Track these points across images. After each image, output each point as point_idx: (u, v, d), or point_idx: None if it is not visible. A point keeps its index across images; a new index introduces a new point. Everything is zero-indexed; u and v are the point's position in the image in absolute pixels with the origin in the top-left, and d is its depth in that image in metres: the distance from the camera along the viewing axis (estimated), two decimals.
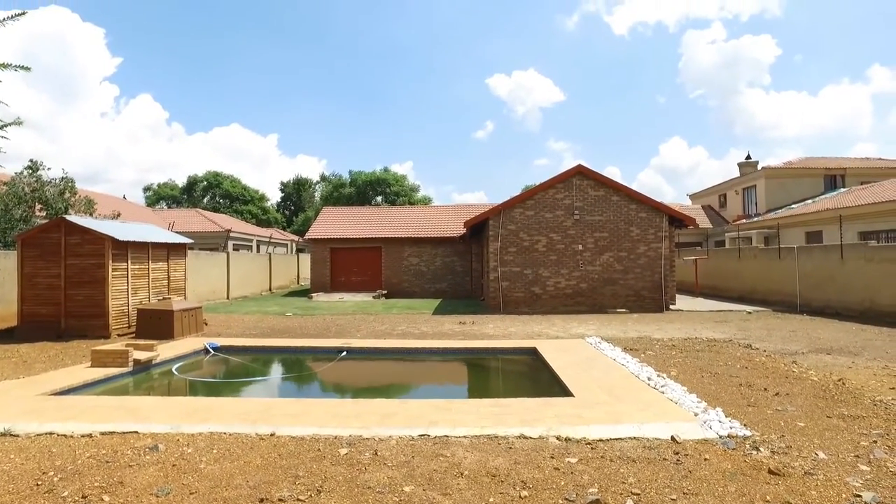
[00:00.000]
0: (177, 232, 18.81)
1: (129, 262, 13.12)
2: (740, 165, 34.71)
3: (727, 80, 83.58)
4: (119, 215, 19.69)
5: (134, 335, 12.38)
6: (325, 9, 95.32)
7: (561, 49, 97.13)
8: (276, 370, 10.65)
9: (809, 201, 28.19)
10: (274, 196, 69.73)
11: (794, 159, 33.25)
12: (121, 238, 12.63)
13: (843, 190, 28.16)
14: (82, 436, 5.34)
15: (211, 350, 10.83)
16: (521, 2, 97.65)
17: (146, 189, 63.70)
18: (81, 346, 11.20)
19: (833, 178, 30.29)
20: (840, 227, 18.11)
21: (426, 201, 61.28)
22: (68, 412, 6.12)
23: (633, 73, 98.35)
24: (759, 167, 32.39)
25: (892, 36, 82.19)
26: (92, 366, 8.66)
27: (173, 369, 9.51)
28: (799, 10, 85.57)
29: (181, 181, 63.12)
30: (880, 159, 33.12)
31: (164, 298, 13.68)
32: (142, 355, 9.09)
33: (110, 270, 12.42)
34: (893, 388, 7.09)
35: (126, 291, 13.00)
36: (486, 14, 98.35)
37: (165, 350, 10.32)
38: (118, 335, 12.51)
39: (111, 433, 5.41)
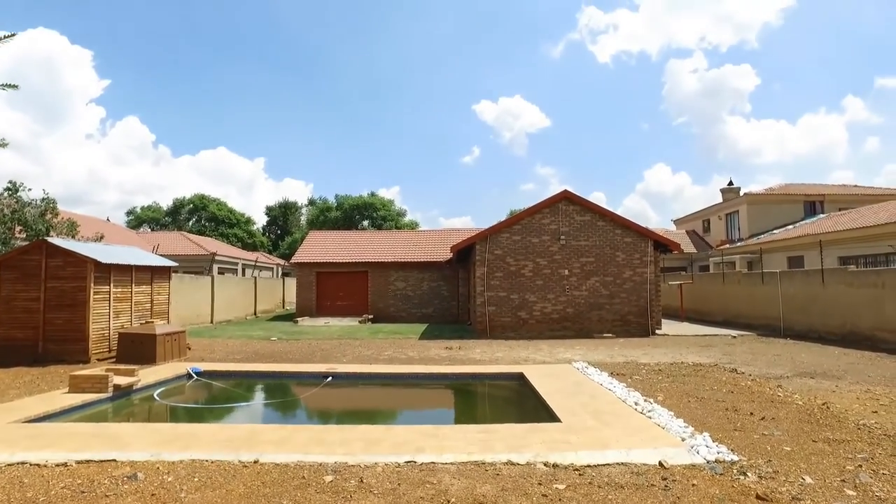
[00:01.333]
0: (161, 255, 18.60)
1: (112, 285, 12.93)
2: (723, 191, 35.30)
3: (709, 107, 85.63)
4: (102, 237, 19.46)
5: (114, 360, 12.13)
6: (313, 35, 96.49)
7: (547, 76, 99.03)
8: (260, 396, 10.47)
9: (790, 227, 28.69)
10: (260, 219, 69.50)
11: (775, 185, 33.93)
12: (104, 261, 12.47)
13: (822, 216, 28.72)
14: (57, 465, 5.18)
15: (194, 375, 10.64)
16: (507, 30, 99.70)
17: (130, 212, 63.15)
18: (59, 371, 10.94)
19: (812, 204, 30.90)
20: (820, 252, 18.42)
21: (413, 226, 61.37)
22: (42, 440, 5.95)
23: (617, 100, 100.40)
24: (742, 193, 32.98)
25: (863, 68, 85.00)
26: (70, 392, 8.45)
27: (155, 395, 9.31)
28: (775, 42, 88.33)
29: (166, 204, 62.76)
30: (856, 186, 33.91)
31: (146, 322, 13.46)
32: (122, 380, 8.90)
33: (92, 293, 12.22)
34: (876, 412, 7.14)
35: (108, 315, 12.78)
36: (472, 41, 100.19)
37: (147, 375, 10.11)
38: (98, 360, 12.25)
39: (88, 462, 5.26)
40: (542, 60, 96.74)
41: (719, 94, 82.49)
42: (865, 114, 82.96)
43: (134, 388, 9.17)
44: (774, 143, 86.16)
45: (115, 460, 5.28)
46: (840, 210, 28.31)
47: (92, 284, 12.22)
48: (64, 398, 8.13)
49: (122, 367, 10.02)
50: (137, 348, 11.95)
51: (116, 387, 8.69)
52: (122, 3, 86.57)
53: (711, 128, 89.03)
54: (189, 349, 13.81)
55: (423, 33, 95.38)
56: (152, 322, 13.18)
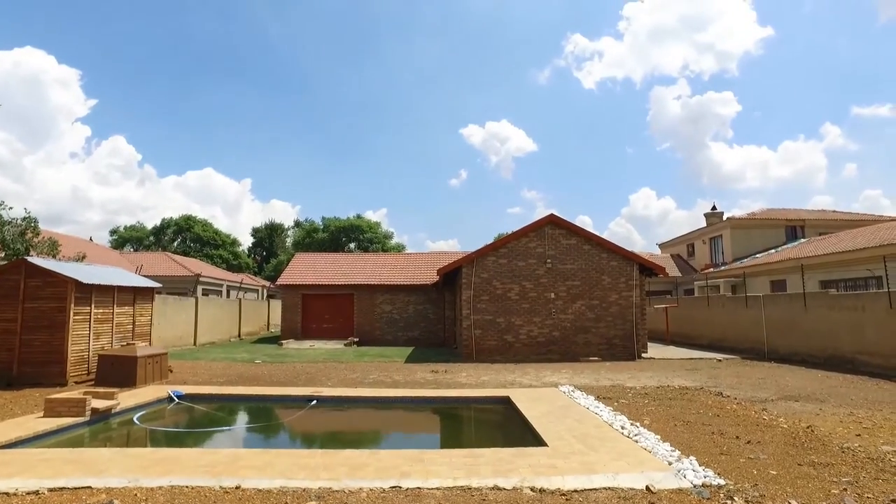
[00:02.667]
0: (145, 276, 18.37)
1: (93, 306, 12.71)
2: (706, 216, 35.81)
3: (693, 133, 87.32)
4: (84, 257, 19.19)
5: (93, 383, 11.87)
6: (303, 57, 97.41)
7: (533, 101, 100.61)
8: (243, 419, 10.28)
9: (773, 251, 29.10)
10: (246, 241, 69.09)
11: (757, 210, 34.53)
12: (85, 281, 12.27)
13: (803, 240, 29.20)
14: (28, 493, 5.01)
15: (175, 398, 10.43)
16: (494, 56, 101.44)
17: (114, 231, 62.49)
18: (34, 394, 10.66)
19: (794, 229, 31.43)
20: (802, 277, 18.68)
21: (400, 248, 61.35)
22: (13, 467, 5.76)
23: (603, 125, 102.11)
24: (725, 218, 33.48)
25: (839, 97, 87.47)
26: (45, 416, 8.22)
27: (134, 418, 9.10)
28: (755, 71, 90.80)
29: (151, 224, 62.23)
30: (835, 211, 34.63)
31: (127, 344, 13.21)
32: (101, 404, 8.70)
33: (72, 314, 11.99)
34: (860, 435, 7.19)
35: (87, 336, 12.53)
36: (460, 66, 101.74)
37: (127, 398, 9.89)
38: (76, 382, 11.97)
39: (61, 489, 5.10)
40: (529, 86, 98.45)
41: (702, 120, 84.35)
42: (843, 141, 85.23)
43: (113, 411, 8.96)
44: (756, 168, 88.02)
45: (90, 487, 5.14)
46: (820, 234, 28.83)
47: (72, 305, 12.00)
48: (38, 423, 7.91)
49: (100, 389, 9.81)
50: (118, 371, 11.72)
51: (94, 410, 8.48)
52: (111, 23, 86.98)
53: (695, 153, 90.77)
54: (171, 372, 13.56)
55: (411, 57, 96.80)
56: (134, 344, 12.95)
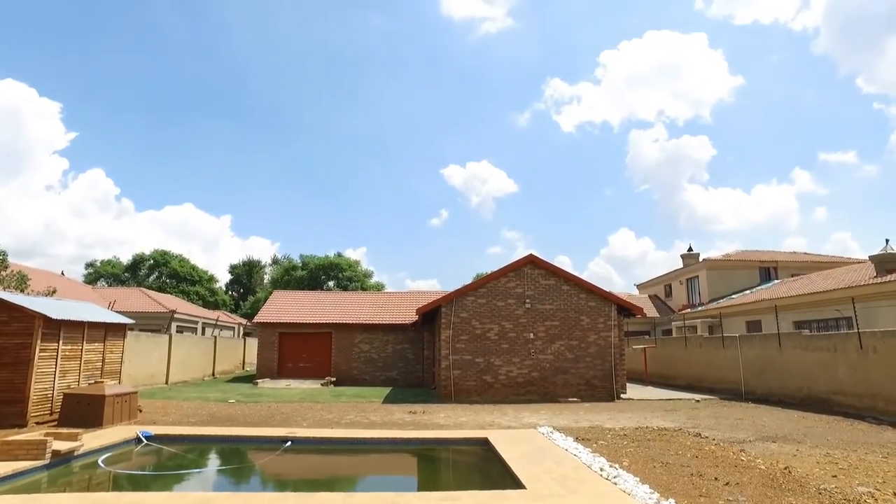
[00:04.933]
0: (118, 311, 17.94)
1: (61, 342, 12.32)
2: (683, 257, 36.42)
3: (670, 176, 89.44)
4: (55, 292, 18.75)
5: (56, 423, 11.40)
6: (284, 96, 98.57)
7: (514, 143, 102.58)
8: (214, 462, 9.94)
9: (748, 291, 29.62)
10: (223, 277, 68.11)
11: (732, 251, 35.27)
12: (54, 316, 11.92)
13: (776, 281, 29.81)
14: None
15: (143, 439, 10.06)
16: (474, 98, 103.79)
17: (89, 265, 61.14)
18: None
19: (767, 270, 32.10)
20: (776, 317, 19.00)
21: (379, 287, 60.93)
22: None
23: (582, 167, 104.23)
24: (701, 259, 34.09)
25: (807, 143, 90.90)
26: (0, 459, 7.83)
27: (99, 461, 8.72)
28: (727, 117, 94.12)
29: (126, 258, 61.11)
30: (806, 253, 35.52)
31: (95, 382, 12.76)
32: (62, 445, 8.33)
33: (37, 351, 11.59)
34: (836, 476, 7.21)
35: (53, 374, 12.10)
36: (441, 106, 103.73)
37: (91, 439, 9.51)
38: (37, 423, 11.48)
39: None
40: (510, 128, 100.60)
41: (679, 163, 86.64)
42: (812, 185, 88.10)
43: (76, 453, 8.59)
44: (731, 210, 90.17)
45: None
46: (793, 276, 29.48)
47: (39, 341, 11.62)
48: None
49: (63, 430, 9.42)
50: (83, 410, 11.27)
51: (55, 452, 8.11)
52: (94, 57, 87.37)
53: (672, 195, 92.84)
54: (140, 411, 13.12)
55: (393, 97, 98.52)
56: (102, 382, 12.52)
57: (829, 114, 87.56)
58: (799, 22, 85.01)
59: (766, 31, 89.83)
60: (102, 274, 59.59)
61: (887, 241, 20.66)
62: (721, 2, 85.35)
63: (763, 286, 29.85)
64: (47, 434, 8.60)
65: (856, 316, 15.09)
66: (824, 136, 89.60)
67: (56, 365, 12.19)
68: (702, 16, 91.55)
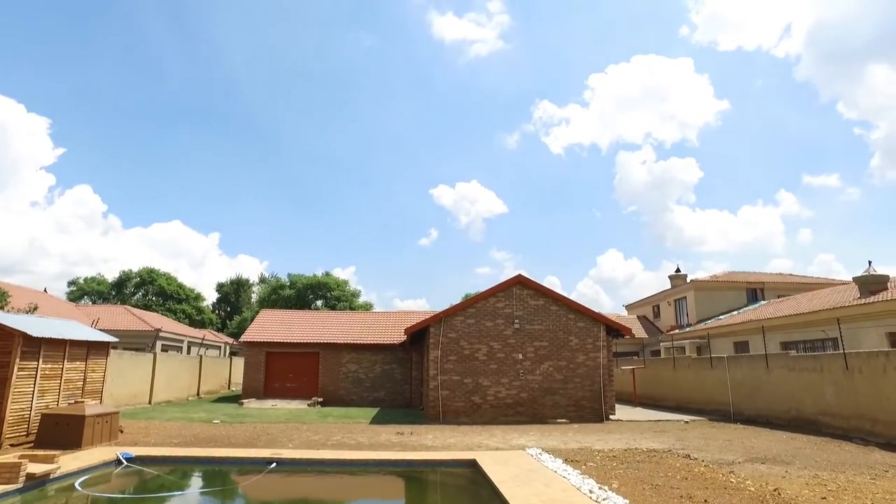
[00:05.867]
0: (102, 329, 17.64)
1: (41, 360, 12.04)
2: (671, 278, 36.61)
3: (658, 197, 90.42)
4: (36, 309, 18.43)
5: (33, 445, 11.10)
6: (274, 114, 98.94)
7: (503, 164, 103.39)
8: (197, 484, 9.73)
9: (735, 312, 29.80)
10: (211, 296, 67.41)
11: (720, 273, 35.56)
12: (34, 334, 11.67)
13: (763, 302, 30.04)
14: None
15: (124, 461, 9.83)
16: (464, 119, 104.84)
17: (72, 282, 60.25)
18: None
19: (754, 291, 32.37)
20: (763, 338, 19.09)
21: (367, 307, 60.53)
22: None
23: (571, 188, 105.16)
24: (689, 280, 34.33)
25: (791, 166, 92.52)
26: None
27: (76, 484, 8.49)
28: (713, 140, 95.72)
29: (111, 276, 60.35)
30: (791, 275, 35.90)
31: (75, 402, 12.50)
32: (38, 468, 8.10)
33: (16, 370, 11.30)
34: (825, 498, 7.17)
35: (31, 394, 11.78)
36: (431, 127, 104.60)
37: (69, 461, 9.26)
38: (12, 445, 11.13)
39: None
40: (499, 149, 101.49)
41: (666, 185, 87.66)
42: (797, 207, 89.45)
43: (52, 476, 8.35)
44: (718, 232, 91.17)
45: None
46: (779, 297, 29.74)
47: (17, 360, 11.34)
48: None
49: (40, 452, 9.17)
50: (62, 431, 11.00)
51: (30, 476, 7.87)
52: (84, 74, 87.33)
53: (660, 216, 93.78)
54: (121, 432, 12.84)
55: (383, 117, 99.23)
56: (82, 402, 12.25)
57: (812, 138, 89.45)
58: (781, 49, 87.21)
59: (750, 57, 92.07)
60: (86, 291, 58.76)
61: (870, 262, 20.97)
62: (705, 28, 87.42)
63: (750, 307, 30.06)
64: (22, 456, 8.37)
65: (841, 337, 15.20)
66: (808, 160, 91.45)
67: (35, 384, 11.89)
68: (687, 42, 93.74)
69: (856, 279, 21.31)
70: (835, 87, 78.14)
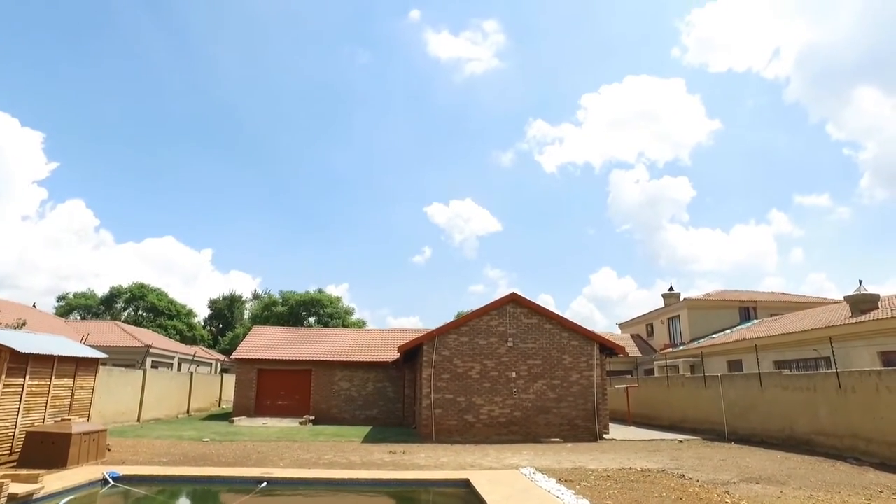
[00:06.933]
0: (91, 345, 17.42)
1: (28, 377, 11.85)
2: (664, 296, 36.69)
3: (651, 216, 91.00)
4: (24, 324, 18.22)
5: (16, 464, 10.88)
6: (269, 131, 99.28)
7: (497, 182, 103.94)
8: (185, 503, 9.54)
9: (728, 331, 29.83)
10: (203, 312, 66.89)
11: (712, 291, 35.65)
12: (22, 350, 11.49)
13: (756, 321, 30.11)
14: None
15: (110, 480, 9.64)
16: (458, 137, 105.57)
17: (59, 298, 59.69)
18: None
19: (747, 310, 32.45)
20: (757, 357, 19.10)
21: (360, 324, 60.23)
22: None
23: (564, 207, 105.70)
24: (682, 298, 34.39)
25: (782, 186, 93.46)
26: None
27: None
28: (705, 160, 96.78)
29: (102, 291, 59.85)
30: (783, 294, 36.05)
31: (62, 420, 12.28)
32: (20, 488, 7.91)
33: (1, 386, 11.10)
34: None
35: (16, 411, 11.56)
36: (425, 145, 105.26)
37: (53, 481, 9.07)
38: None
39: None
40: (493, 167, 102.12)
41: (659, 203, 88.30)
42: (789, 227, 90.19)
43: (34, 496, 8.15)
44: (711, 250, 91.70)
45: None
46: (772, 315, 29.82)
47: (4, 376, 11.15)
48: None
49: (23, 472, 8.97)
50: (48, 450, 10.79)
51: (11, 496, 7.67)
52: (79, 88, 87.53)
53: (653, 235, 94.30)
54: (109, 450, 12.62)
55: (378, 135, 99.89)
56: (69, 420, 12.04)
57: (803, 158, 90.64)
58: (771, 71, 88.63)
59: (740, 78, 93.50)
60: (75, 306, 58.22)
61: (860, 282, 21.11)
62: (696, 50, 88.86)
63: (743, 326, 30.12)
64: (4, 476, 8.18)
65: (833, 356, 15.24)
66: (799, 179, 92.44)
67: (20, 401, 11.69)
68: (678, 63, 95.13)
69: (847, 298, 21.42)
70: (824, 108, 79.42)
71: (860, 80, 72.38)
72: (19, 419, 11.65)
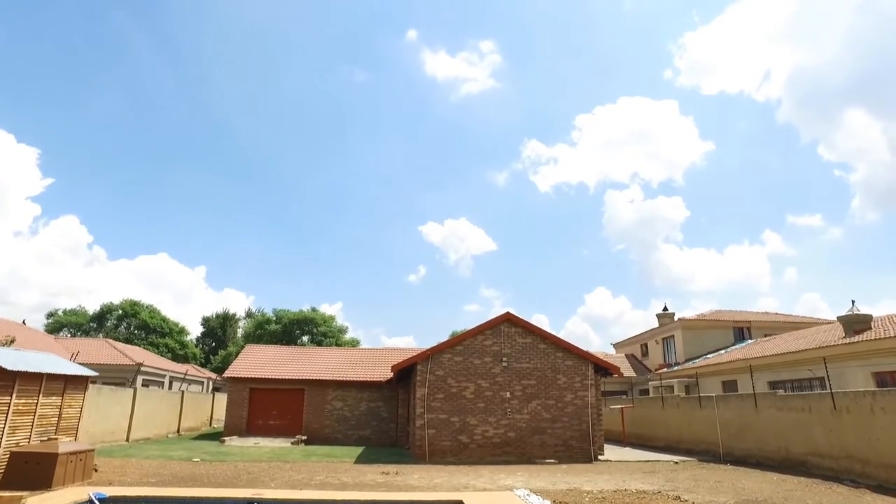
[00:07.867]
0: (81, 363, 17.21)
1: (15, 395, 11.64)
2: (659, 316, 36.67)
3: (645, 236, 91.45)
4: (13, 341, 18.00)
5: None
6: (264, 148, 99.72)
7: (492, 201, 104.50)
8: None
9: (723, 351, 29.79)
10: (195, 329, 66.36)
11: (707, 311, 35.66)
12: (9, 367, 11.31)
13: (750, 341, 30.10)
14: None
15: (96, 501, 9.44)
16: (454, 156, 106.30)
17: (49, 315, 59.07)
18: None
19: (741, 330, 32.47)
20: (751, 377, 19.05)
21: (354, 343, 59.83)
22: None
23: (559, 226, 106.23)
24: (676, 318, 34.37)
25: (775, 206, 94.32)
26: None
27: None
28: (699, 180, 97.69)
29: (93, 308, 59.33)
30: (777, 314, 36.11)
31: (49, 439, 12.07)
32: None
33: None
34: None
35: (1, 431, 11.37)
36: (420, 164, 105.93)
37: (37, 503, 8.88)
38: None
39: None
40: (488, 187, 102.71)
41: (654, 223, 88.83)
42: (783, 247, 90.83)
43: None
44: (705, 270, 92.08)
45: None
46: (766, 336, 29.83)
47: None
48: None
49: (5, 494, 8.78)
50: (32, 470, 10.56)
51: None
52: (76, 105, 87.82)
53: (648, 255, 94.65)
54: (96, 471, 12.38)
55: (373, 154, 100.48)
56: (56, 439, 11.84)
57: (795, 179, 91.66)
58: (762, 93, 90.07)
59: (733, 100, 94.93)
60: (65, 323, 57.62)
61: (853, 302, 21.18)
62: (689, 73, 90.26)
63: (737, 346, 30.10)
64: None
65: (828, 376, 15.22)
66: (791, 200, 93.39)
67: (6, 420, 11.48)
68: (671, 85, 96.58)
69: (840, 318, 21.47)
70: (815, 130, 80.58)
71: (849, 102, 73.64)
72: (3, 439, 11.41)
